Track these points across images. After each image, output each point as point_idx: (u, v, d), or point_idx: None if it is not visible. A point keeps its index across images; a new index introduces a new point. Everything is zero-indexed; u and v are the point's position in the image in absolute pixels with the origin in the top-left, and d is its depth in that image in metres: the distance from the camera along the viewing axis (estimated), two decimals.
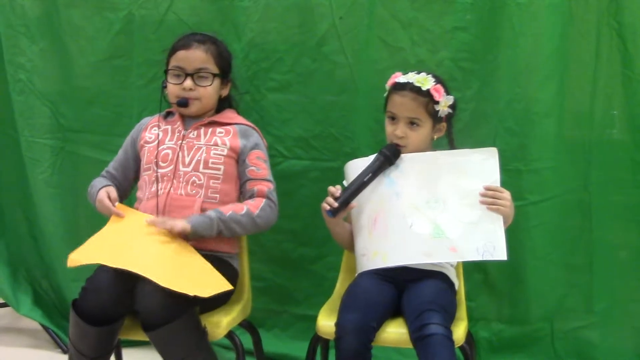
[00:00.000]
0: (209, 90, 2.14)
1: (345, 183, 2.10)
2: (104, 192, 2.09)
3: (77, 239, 2.68)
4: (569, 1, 2.21)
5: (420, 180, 1.98)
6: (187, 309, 1.82)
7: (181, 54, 2.13)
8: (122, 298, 1.86)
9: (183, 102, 2.14)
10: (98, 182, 2.19)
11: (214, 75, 2.14)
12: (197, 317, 1.89)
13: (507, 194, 1.93)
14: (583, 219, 2.35)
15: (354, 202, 1.98)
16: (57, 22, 2.55)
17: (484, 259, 1.90)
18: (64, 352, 2.69)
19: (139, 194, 2.16)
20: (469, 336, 2.04)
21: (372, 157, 2.02)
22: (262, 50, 2.43)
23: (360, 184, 1.97)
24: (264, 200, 2.10)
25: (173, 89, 2.15)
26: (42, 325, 2.78)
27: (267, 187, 2.12)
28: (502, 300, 2.43)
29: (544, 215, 2.32)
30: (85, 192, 2.65)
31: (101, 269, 1.86)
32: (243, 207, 2.06)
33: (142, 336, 1.90)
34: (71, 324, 1.86)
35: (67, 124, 2.63)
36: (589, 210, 2.33)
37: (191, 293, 1.79)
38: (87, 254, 1.87)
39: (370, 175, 1.98)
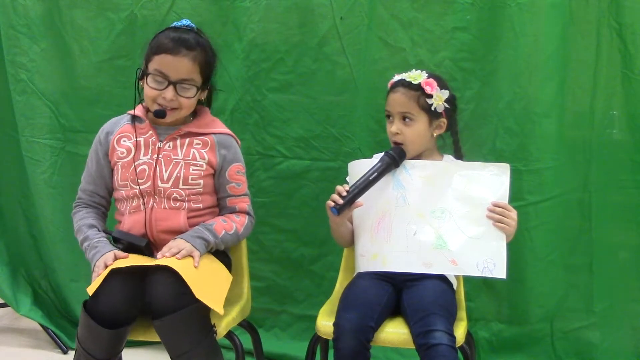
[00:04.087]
0: (190, 101, 2.01)
1: (348, 180, 2.10)
2: (111, 256, 1.90)
3: (77, 239, 2.70)
4: (569, 1, 2.22)
5: (428, 188, 1.98)
6: (197, 301, 1.80)
7: (167, 59, 1.95)
8: (134, 300, 1.84)
9: (160, 114, 1.99)
10: (86, 222, 2.02)
11: (198, 87, 2.00)
12: (206, 311, 1.87)
13: (514, 214, 1.94)
14: (583, 219, 2.35)
15: (360, 201, 1.98)
16: (59, 22, 2.56)
17: (483, 275, 1.90)
18: (64, 352, 2.69)
19: (119, 205, 2.09)
20: (469, 336, 2.03)
21: (376, 157, 2.03)
22: (263, 51, 2.44)
23: (367, 182, 1.97)
24: (247, 217, 2.09)
25: (151, 94, 1.98)
26: (42, 326, 2.77)
27: (247, 203, 2.11)
28: (502, 301, 2.43)
29: (544, 216, 2.32)
30: None
31: (113, 271, 1.83)
32: (232, 226, 2.04)
33: (142, 336, 1.90)
34: (82, 325, 1.83)
35: (67, 124, 2.64)
36: (589, 210, 2.34)
37: (211, 306, 1.80)
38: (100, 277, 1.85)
39: (375, 174, 1.98)
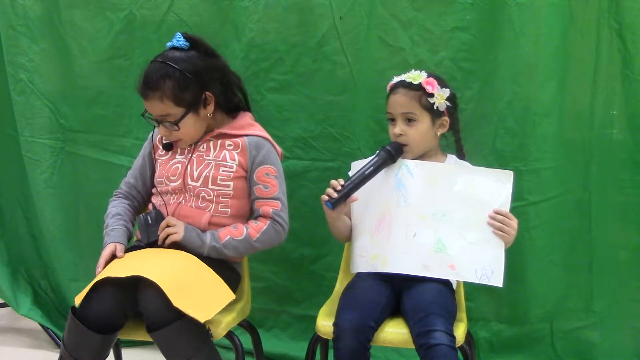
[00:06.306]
0: (184, 130, 2.02)
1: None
2: (109, 250, 1.98)
3: (77, 239, 2.71)
4: (569, 1, 2.21)
5: (430, 191, 1.98)
6: None
7: (145, 103, 2.01)
8: (125, 305, 1.85)
9: (165, 147, 2.10)
10: (114, 210, 2.11)
11: (180, 117, 1.99)
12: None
13: (515, 223, 1.94)
14: (583, 219, 2.34)
15: (355, 196, 1.98)
16: (58, 22, 2.56)
17: (481, 282, 1.91)
18: None
19: (154, 200, 2.14)
20: (469, 336, 2.03)
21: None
22: (262, 51, 2.43)
23: (362, 177, 1.98)
24: (268, 222, 2.04)
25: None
26: (42, 325, 2.78)
27: (274, 206, 2.05)
28: (502, 301, 2.42)
29: (543, 216, 2.32)
30: (85, 192, 2.67)
31: (104, 279, 1.83)
32: (243, 231, 2.02)
33: (142, 336, 1.89)
34: (70, 331, 1.83)
35: (67, 124, 2.64)
36: (589, 210, 2.33)
37: (190, 314, 1.77)
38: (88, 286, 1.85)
39: (371, 169, 1.98)
